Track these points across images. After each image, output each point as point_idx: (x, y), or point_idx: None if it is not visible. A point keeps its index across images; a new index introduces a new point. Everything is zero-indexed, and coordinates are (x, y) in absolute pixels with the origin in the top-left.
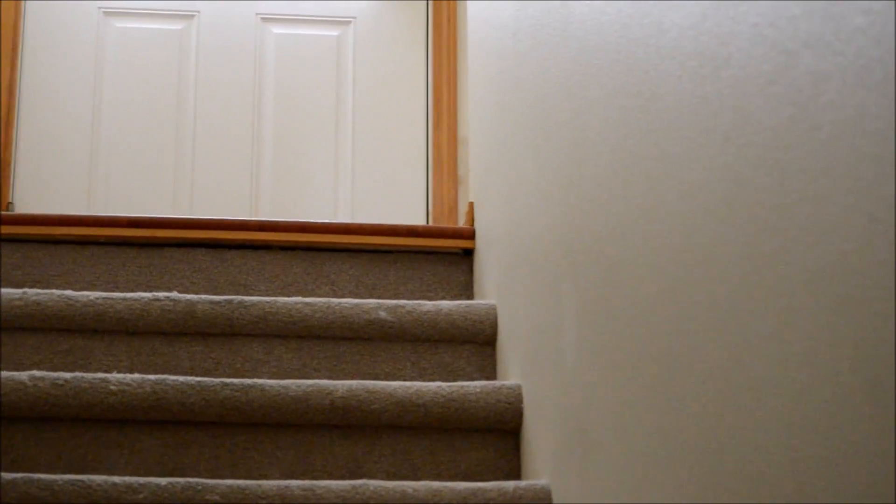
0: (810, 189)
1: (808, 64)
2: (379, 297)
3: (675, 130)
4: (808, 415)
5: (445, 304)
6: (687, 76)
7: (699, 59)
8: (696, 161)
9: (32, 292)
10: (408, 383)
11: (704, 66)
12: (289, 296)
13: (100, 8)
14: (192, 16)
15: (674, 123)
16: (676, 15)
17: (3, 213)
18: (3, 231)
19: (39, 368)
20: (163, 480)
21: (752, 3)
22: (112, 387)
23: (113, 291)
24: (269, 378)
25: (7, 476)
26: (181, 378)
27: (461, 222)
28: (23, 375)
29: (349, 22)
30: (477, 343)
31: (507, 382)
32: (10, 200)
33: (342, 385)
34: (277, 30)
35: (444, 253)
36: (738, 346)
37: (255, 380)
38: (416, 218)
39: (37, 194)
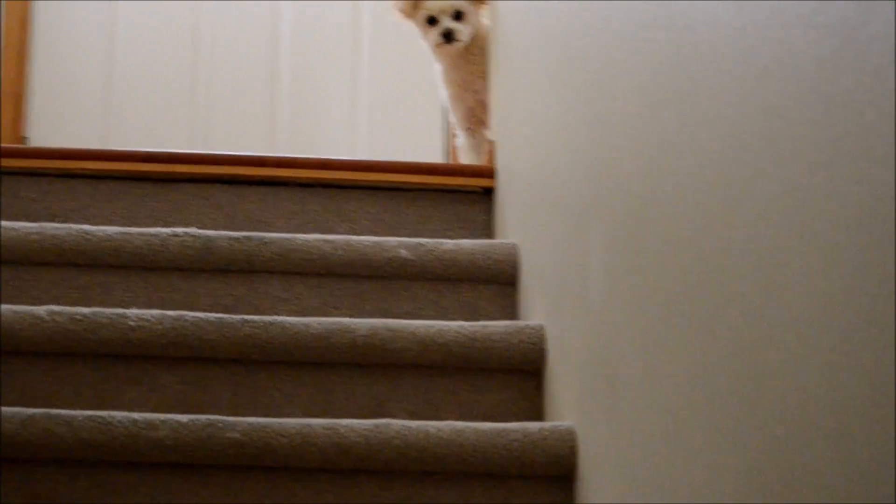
0: (854, 123)
1: None
2: (398, 236)
3: (710, 63)
4: (849, 352)
5: (467, 243)
6: (721, 7)
7: None
8: (732, 94)
9: (50, 226)
10: (429, 322)
11: None
12: (307, 233)
13: None
14: None
15: (708, 56)
16: None
17: (19, 146)
18: (19, 164)
19: (57, 303)
20: (183, 417)
21: None
22: (131, 322)
23: (130, 226)
24: (290, 315)
25: (27, 411)
26: (201, 314)
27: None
28: (40, 310)
29: None
30: (499, 283)
31: (531, 322)
32: (26, 135)
33: (363, 323)
34: None
35: (465, 192)
36: (775, 283)
37: (276, 317)
38: (434, 156)
39: (52, 128)
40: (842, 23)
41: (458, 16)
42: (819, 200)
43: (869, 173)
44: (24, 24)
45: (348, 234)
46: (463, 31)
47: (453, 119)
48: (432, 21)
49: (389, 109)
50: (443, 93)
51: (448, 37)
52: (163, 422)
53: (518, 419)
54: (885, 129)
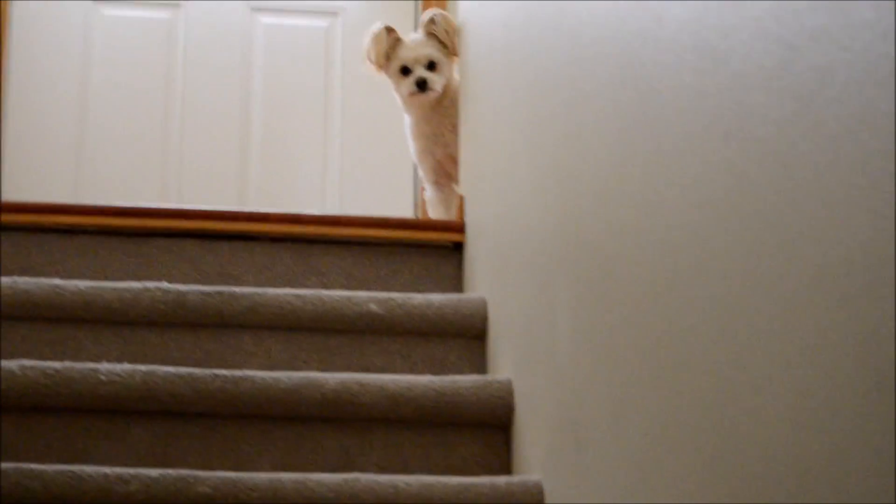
0: (814, 185)
1: (813, 58)
2: (369, 290)
3: (674, 125)
4: (809, 412)
5: (436, 298)
6: (686, 70)
7: (699, 52)
8: (696, 156)
9: (21, 281)
10: (399, 377)
11: (705, 60)
12: (278, 287)
13: None
14: (181, 4)
15: (672, 117)
16: (677, 8)
17: None
18: None
19: (29, 357)
20: (154, 471)
21: None
22: (102, 377)
23: (102, 281)
24: (260, 370)
25: None
26: (172, 369)
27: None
28: (13, 364)
29: (337, 14)
30: (467, 337)
31: (498, 377)
32: None
33: (333, 378)
34: (266, 19)
35: (435, 246)
36: (737, 343)
37: (246, 371)
38: (404, 210)
39: (24, 182)
40: (801, 87)
41: (431, 66)
42: (780, 261)
43: (828, 234)
44: None
45: (319, 288)
46: (436, 80)
47: (422, 173)
48: (406, 71)
49: (360, 164)
50: (412, 146)
51: (422, 86)
52: (134, 476)
53: (487, 473)
54: (842, 190)
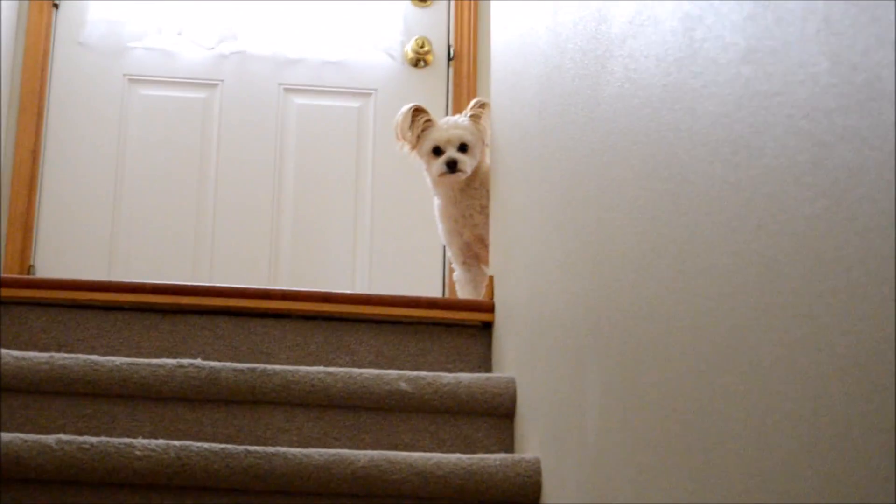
0: (843, 279)
1: (844, 157)
2: (398, 368)
3: (706, 215)
4: (841, 494)
5: (465, 377)
6: (719, 162)
7: (732, 146)
8: (727, 245)
9: (59, 356)
10: (428, 454)
11: (738, 154)
12: (310, 365)
13: (125, 75)
14: (216, 84)
15: (704, 208)
16: (710, 103)
17: (29, 277)
18: (28, 295)
19: (65, 432)
20: None
21: (788, 95)
22: (137, 452)
23: (137, 357)
24: (291, 446)
25: None
26: (205, 445)
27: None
28: (49, 439)
29: (370, 94)
30: (496, 416)
31: (527, 456)
32: (32, 263)
33: (363, 455)
34: (299, 100)
35: (464, 325)
36: (766, 429)
37: (279, 448)
38: (433, 289)
39: (58, 258)
40: (832, 184)
41: (463, 148)
42: (810, 351)
43: (858, 327)
44: (35, 156)
45: (349, 366)
46: (467, 162)
47: (450, 253)
48: (437, 151)
49: (390, 243)
50: (440, 227)
51: (452, 166)
52: None
53: None
54: (872, 286)
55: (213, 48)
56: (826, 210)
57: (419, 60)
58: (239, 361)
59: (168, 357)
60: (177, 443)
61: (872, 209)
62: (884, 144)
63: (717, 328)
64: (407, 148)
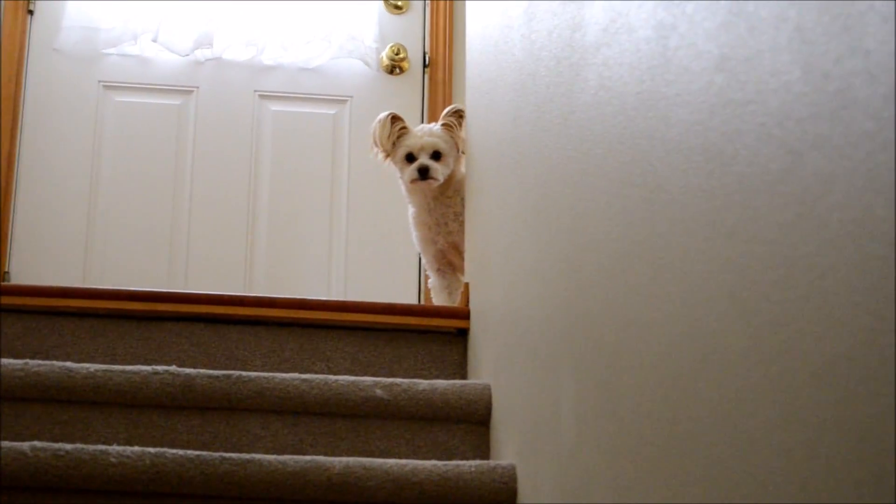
0: (815, 285)
1: (816, 165)
2: (374, 375)
3: (680, 222)
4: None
5: (441, 384)
6: (692, 170)
7: (705, 154)
8: (701, 253)
9: (34, 363)
10: (403, 461)
11: (711, 162)
12: (285, 371)
13: (100, 81)
14: (191, 91)
15: (678, 215)
16: (683, 111)
17: (3, 284)
18: (3, 301)
19: (40, 439)
20: None
21: (760, 103)
22: (112, 459)
23: (112, 363)
24: (267, 453)
25: None
26: (180, 452)
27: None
28: (24, 446)
29: (346, 101)
30: (471, 422)
31: (502, 462)
32: (7, 270)
33: (339, 462)
34: (275, 107)
35: (439, 332)
36: (740, 434)
37: (254, 455)
38: (409, 296)
39: (33, 264)
40: (804, 192)
41: (436, 156)
42: (783, 358)
43: (830, 334)
44: (10, 162)
45: (325, 372)
46: (439, 169)
47: (424, 261)
48: (410, 158)
49: (366, 248)
50: (414, 234)
51: (423, 173)
52: None
53: None
54: (844, 293)
55: (188, 55)
56: (798, 217)
57: (395, 67)
58: (214, 368)
59: (143, 364)
60: (152, 450)
61: (844, 217)
62: (855, 153)
63: (690, 335)
64: (381, 155)
